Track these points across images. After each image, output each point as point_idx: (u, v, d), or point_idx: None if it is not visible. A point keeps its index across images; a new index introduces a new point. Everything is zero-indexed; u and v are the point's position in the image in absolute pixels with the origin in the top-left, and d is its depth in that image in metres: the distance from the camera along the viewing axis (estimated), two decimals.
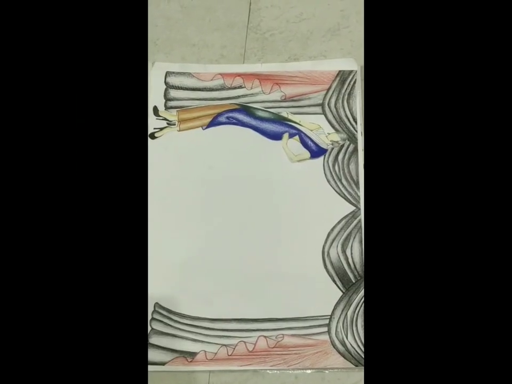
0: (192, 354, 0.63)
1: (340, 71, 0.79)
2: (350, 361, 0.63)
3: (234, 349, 0.63)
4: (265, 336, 0.64)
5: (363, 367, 0.62)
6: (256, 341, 0.64)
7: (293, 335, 0.64)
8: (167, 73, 0.79)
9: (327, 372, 0.62)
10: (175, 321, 0.65)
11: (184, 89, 0.78)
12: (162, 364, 0.64)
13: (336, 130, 0.76)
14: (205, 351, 0.63)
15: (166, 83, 0.79)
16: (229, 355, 0.63)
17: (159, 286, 0.66)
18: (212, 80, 0.79)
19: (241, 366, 0.63)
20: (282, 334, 0.64)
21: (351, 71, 0.77)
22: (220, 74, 0.79)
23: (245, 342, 0.64)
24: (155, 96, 0.78)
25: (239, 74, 0.79)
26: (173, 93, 0.78)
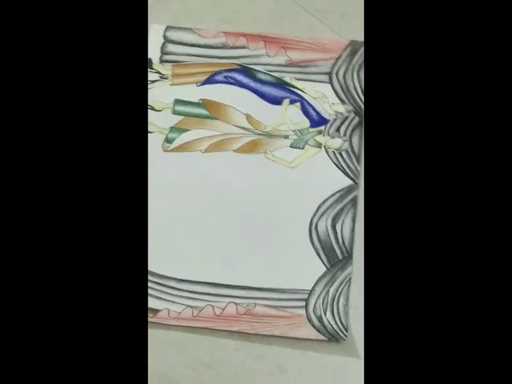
0: (154, 311, 0.65)
1: (352, 41, 0.81)
2: (324, 335, 0.63)
3: (200, 311, 0.64)
4: (235, 303, 0.65)
5: (337, 342, 0.63)
6: (225, 307, 0.65)
7: (266, 305, 0.65)
8: (167, 28, 0.83)
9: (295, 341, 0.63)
10: None
11: (182, 45, 0.82)
12: None
13: (342, 101, 0.78)
14: (169, 309, 0.64)
15: (164, 37, 0.82)
16: (193, 316, 0.64)
17: None
18: (213, 37, 0.82)
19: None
20: (255, 303, 0.65)
21: (363, 42, 0.79)
22: (222, 32, 0.82)
23: (212, 306, 0.65)
24: (151, 49, 0.82)
25: (243, 34, 0.82)
26: (171, 47, 0.82)
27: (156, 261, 0.67)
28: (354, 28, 0.80)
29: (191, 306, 0.65)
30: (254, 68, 0.80)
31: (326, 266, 0.68)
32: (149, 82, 0.79)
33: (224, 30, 0.82)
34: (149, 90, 0.79)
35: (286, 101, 0.78)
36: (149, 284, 0.66)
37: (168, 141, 0.75)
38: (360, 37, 0.78)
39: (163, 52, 0.82)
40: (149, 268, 0.66)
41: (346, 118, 0.77)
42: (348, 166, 0.73)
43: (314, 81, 0.80)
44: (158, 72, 0.80)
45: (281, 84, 0.79)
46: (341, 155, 0.74)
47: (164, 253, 0.68)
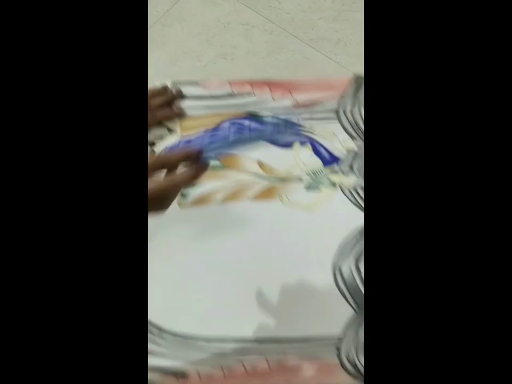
0: (184, 375, 0.64)
1: (355, 75, 0.82)
2: (360, 381, 0.62)
3: (230, 370, 0.64)
4: (266, 357, 0.64)
5: None
6: (256, 362, 0.64)
7: (297, 356, 0.64)
8: (173, 83, 0.85)
9: None
10: (166, 340, 0.67)
11: (188, 98, 0.83)
12: None
13: (352, 137, 0.78)
14: (198, 372, 0.64)
15: None
16: (225, 376, 0.64)
17: (150, 301, 0.68)
18: (218, 88, 0.84)
19: None
20: (286, 355, 0.65)
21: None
22: (227, 81, 0.83)
23: (243, 363, 0.64)
24: None
25: (248, 82, 0.83)
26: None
27: (182, 322, 0.67)
28: (350, 54, 0.81)
29: (221, 366, 0.64)
30: (260, 113, 0.81)
31: (354, 309, 0.67)
32: (158, 137, 0.81)
33: (228, 79, 0.84)
34: (159, 145, 0.80)
35: (297, 143, 0.79)
36: (175, 346, 0.66)
37: (183, 196, 0.76)
38: (358, 62, 0.78)
39: None
40: (175, 330, 0.66)
41: (358, 154, 0.77)
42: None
43: (322, 119, 0.80)
44: (167, 127, 0.81)
45: (289, 127, 0.80)
46: (357, 192, 0.74)
47: (190, 313, 0.68)
